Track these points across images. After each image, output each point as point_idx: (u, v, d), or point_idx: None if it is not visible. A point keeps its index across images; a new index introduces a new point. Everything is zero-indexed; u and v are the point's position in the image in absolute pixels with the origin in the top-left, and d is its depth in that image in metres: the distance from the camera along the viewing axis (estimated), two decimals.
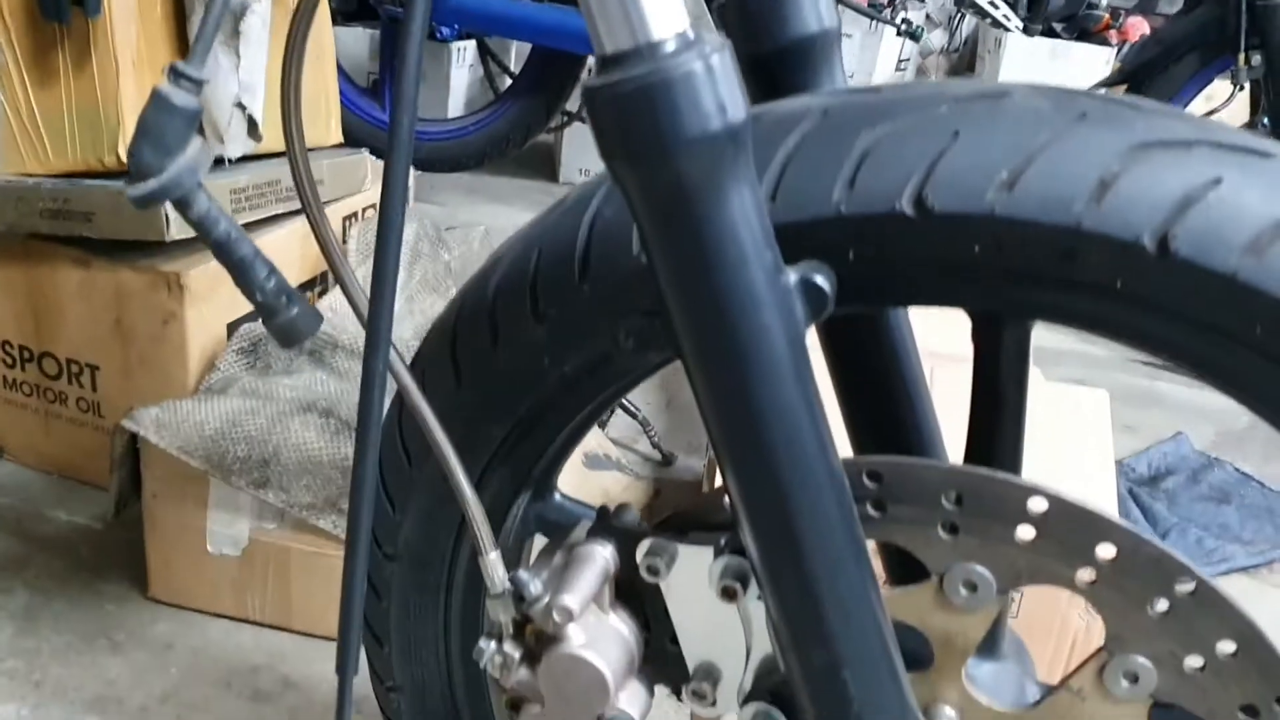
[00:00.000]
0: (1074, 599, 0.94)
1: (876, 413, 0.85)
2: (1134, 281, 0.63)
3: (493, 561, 0.76)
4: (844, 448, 0.72)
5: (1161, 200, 0.62)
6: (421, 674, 0.94)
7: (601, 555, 0.76)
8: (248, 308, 1.75)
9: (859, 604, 0.67)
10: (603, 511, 0.80)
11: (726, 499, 0.76)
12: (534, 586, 0.74)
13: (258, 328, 1.71)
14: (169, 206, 1.59)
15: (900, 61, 5.27)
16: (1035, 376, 1.65)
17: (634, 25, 0.58)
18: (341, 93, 2.85)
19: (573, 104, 3.13)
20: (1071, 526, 0.69)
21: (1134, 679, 0.71)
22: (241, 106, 1.58)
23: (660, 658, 0.79)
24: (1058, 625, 1.25)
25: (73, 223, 1.63)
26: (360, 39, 3.49)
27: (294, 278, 1.88)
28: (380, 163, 2.16)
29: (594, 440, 1.75)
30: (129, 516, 1.62)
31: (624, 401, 1.81)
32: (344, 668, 0.73)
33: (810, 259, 0.67)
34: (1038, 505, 0.69)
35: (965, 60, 6.11)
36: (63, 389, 1.78)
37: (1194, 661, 0.70)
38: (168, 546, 1.56)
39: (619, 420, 2.00)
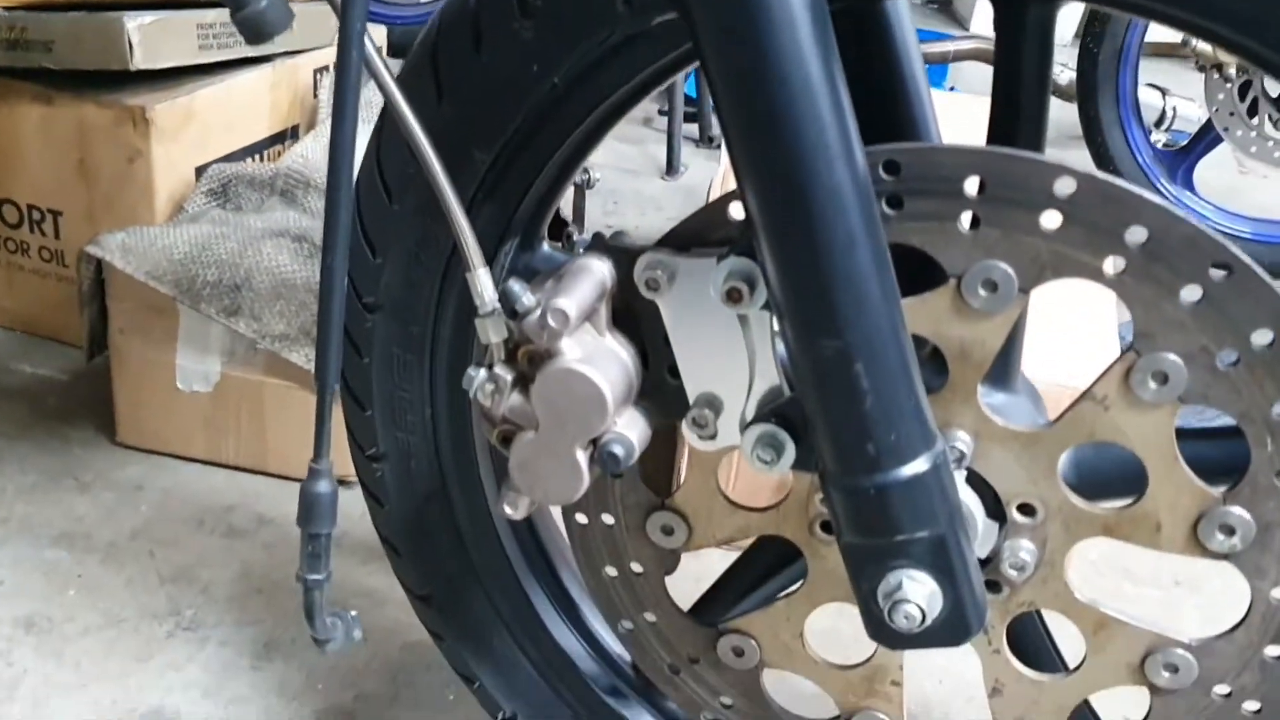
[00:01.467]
0: None
1: (876, 105, 0.79)
2: None
3: (481, 277, 0.71)
4: None
5: None
6: (406, 439, 0.90)
7: (599, 268, 0.71)
8: (217, 151, 1.71)
9: (873, 292, 0.63)
10: (598, 235, 0.75)
11: (731, 207, 0.72)
12: (526, 298, 0.69)
13: (228, 168, 1.65)
14: (133, 30, 1.52)
15: None
16: None
17: None
18: None
19: None
20: (1101, 208, 0.64)
21: (1163, 379, 0.67)
22: None
23: (660, 392, 0.75)
24: None
25: (32, 53, 1.55)
26: None
27: (265, 127, 1.81)
28: None
29: None
30: (98, 369, 1.57)
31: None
32: (323, 378, 0.68)
33: None
34: (1065, 186, 0.64)
35: None
36: (24, 238, 1.71)
37: (1228, 356, 0.66)
38: (136, 385, 1.50)
39: None
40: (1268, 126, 2.45)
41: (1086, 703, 0.82)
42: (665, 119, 2.76)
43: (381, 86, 0.70)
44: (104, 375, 1.54)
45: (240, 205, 1.62)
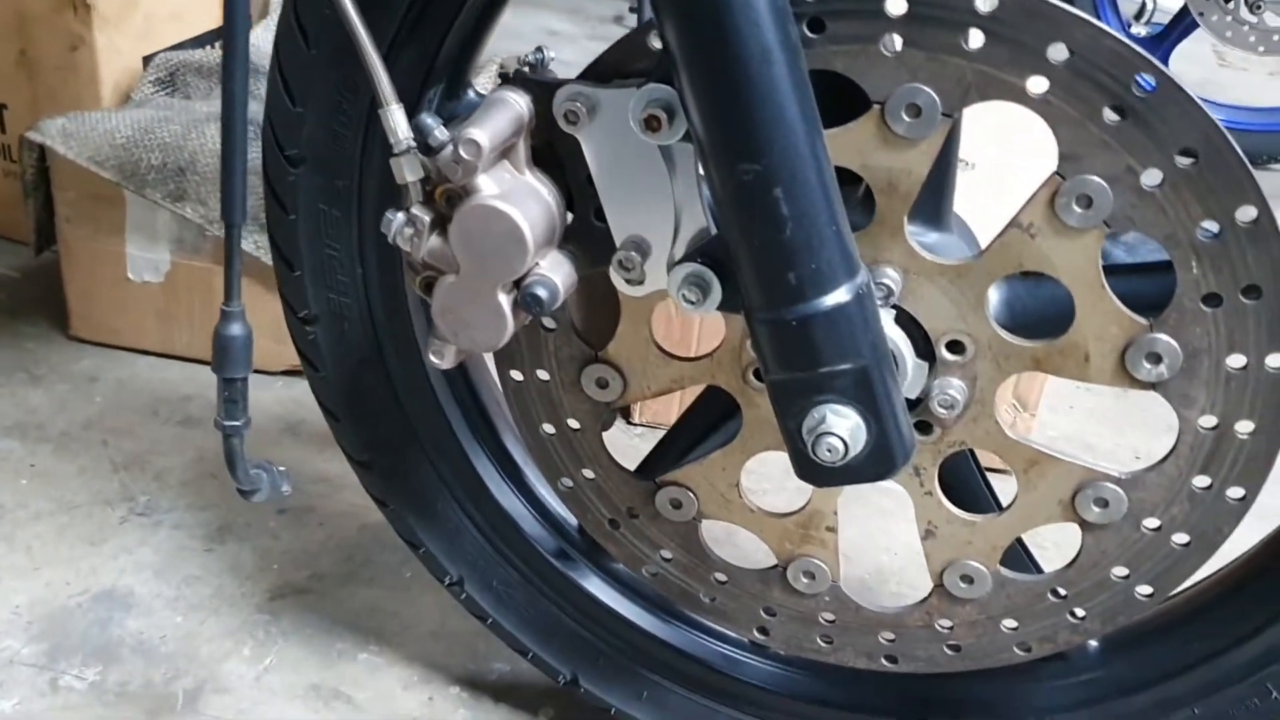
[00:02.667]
0: None
1: None
2: None
3: (394, 113, 0.69)
4: None
5: None
6: (338, 300, 0.88)
7: (516, 102, 0.69)
8: (165, 40, 1.67)
9: (791, 113, 0.61)
10: (519, 70, 0.73)
11: (650, 38, 0.70)
12: (439, 132, 0.67)
13: (176, 56, 1.61)
14: None
15: None
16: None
17: None
18: None
19: None
20: (1025, 25, 0.63)
21: (1088, 203, 0.66)
22: None
23: (586, 235, 0.74)
24: None
25: None
26: None
27: (214, 18, 1.77)
28: None
29: None
30: (49, 264, 1.55)
31: None
32: (230, 217, 0.67)
33: None
34: (988, 3, 0.63)
35: None
36: None
37: (1151, 178, 0.64)
38: (86, 277, 1.48)
39: None
40: (1243, 10, 2.41)
41: (1020, 541, 0.83)
42: (635, 16, 2.71)
43: None
44: (55, 270, 1.52)
45: (189, 94, 1.59)
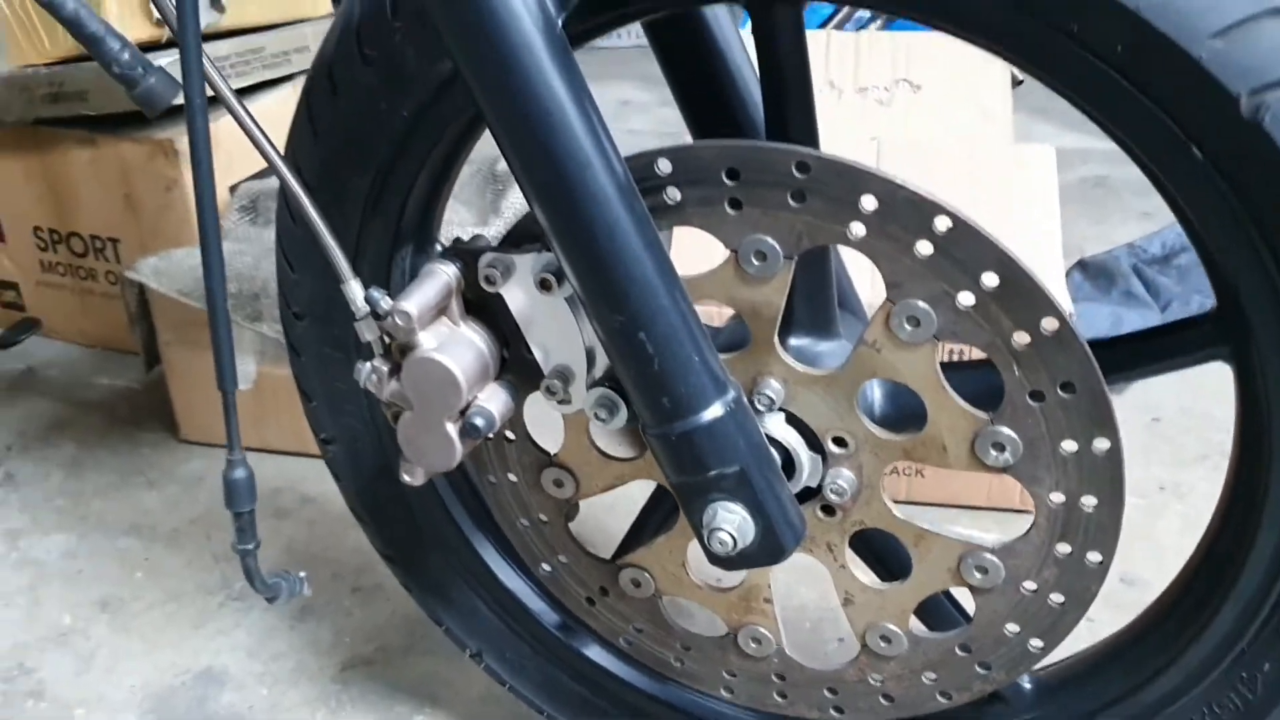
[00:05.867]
0: None
1: (705, 103, 0.91)
2: None
3: (352, 288, 0.84)
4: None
5: None
6: (349, 424, 1.05)
7: (444, 271, 0.84)
8: (248, 169, 1.89)
9: (645, 271, 0.74)
10: (456, 240, 0.88)
11: None
12: (384, 303, 0.83)
13: (256, 185, 1.82)
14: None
15: None
16: (982, 138, 1.68)
17: None
18: None
19: None
20: (836, 183, 0.74)
21: (916, 323, 0.77)
22: None
23: (521, 366, 0.88)
24: None
25: (71, 103, 1.75)
26: None
27: None
28: None
29: None
30: (159, 376, 1.76)
31: None
32: (223, 385, 0.83)
33: None
34: (800, 166, 0.75)
35: None
36: (91, 265, 1.92)
37: (965, 298, 0.75)
38: (188, 388, 1.69)
39: None
40: None
41: (947, 594, 0.93)
42: None
43: (248, 133, 0.84)
44: (164, 381, 1.73)
45: (270, 218, 1.79)
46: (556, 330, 0.85)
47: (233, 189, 1.83)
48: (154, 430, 1.79)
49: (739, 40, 0.89)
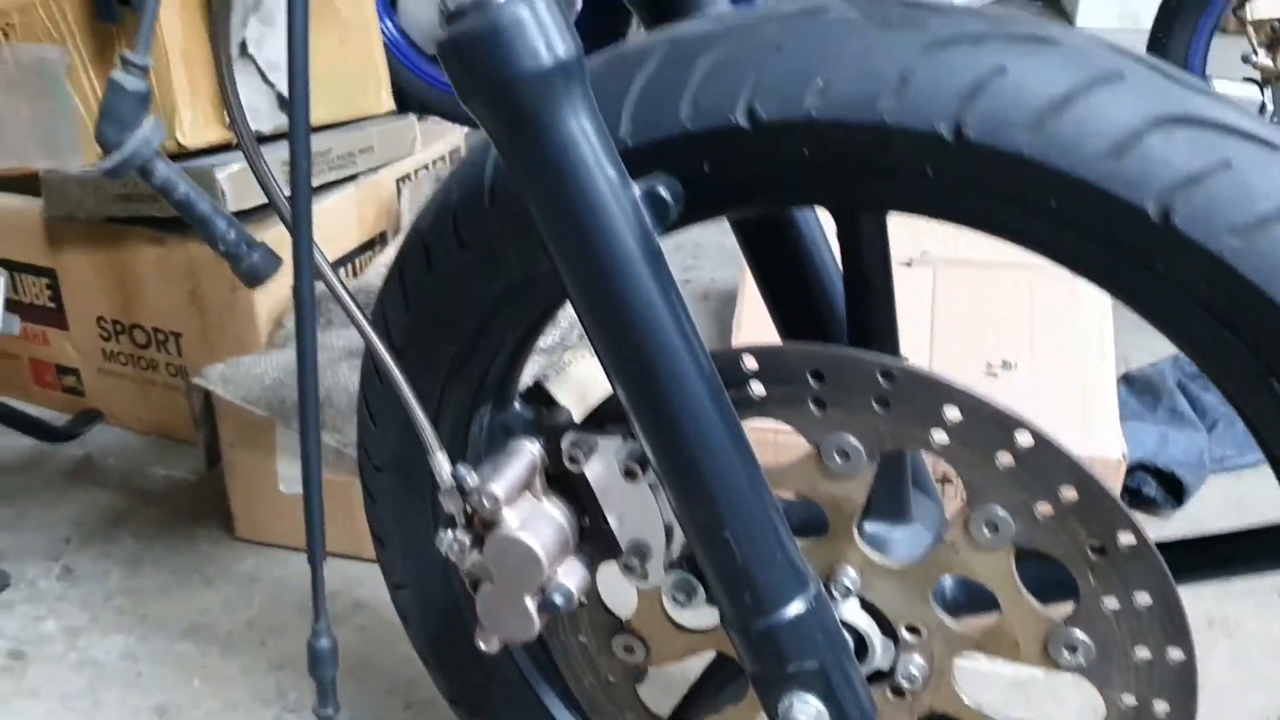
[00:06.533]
0: None
1: (790, 299, 0.93)
2: (942, 168, 0.70)
3: (439, 461, 0.87)
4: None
5: (954, 90, 0.69)
6: (421, 570, 1.07)
7: (529, 450, 0.87)
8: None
9: (732, 467, 0.76)
10: (538, 412, 0.90)
11: None
12: (470, 479, 0.85)
13: (317, 286, 1.85)
14: (224, 180, 1.75)
15: None
16: (1036, 276, 1.70)
17: None
18: (407, 59, 3.00)
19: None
20: (920, 394, 0.76)
21: (994, 528, 0.78)
22: (270, 84, 1.72)
23: (599, 538, 0.90)
24: None
25: (142, 204, 1.79)
26: (427, 5, 3.62)
27: (353, 240, 2.02)
28: (433, 125, 2.28)
29: None
30: (219, 469, 1.80)
31: None
32: (314, 560, 0.85)
33: (667, 172, 0.76)
34: (885, 375, 0.77)
35: None
36: (153, 357, 1.96)
37: (1044, 508, 0.77)
38: (247, 489, 1.72)
39: None
40: None
41: None
42: None
43: (341, 303, 0.87)
44: (221, 477, 1.76)
45: (330, 319, 1.83)
46: (636, 507, 0.87)
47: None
48: (210, 526, 1.81)
49: (825, 241, 0.91)
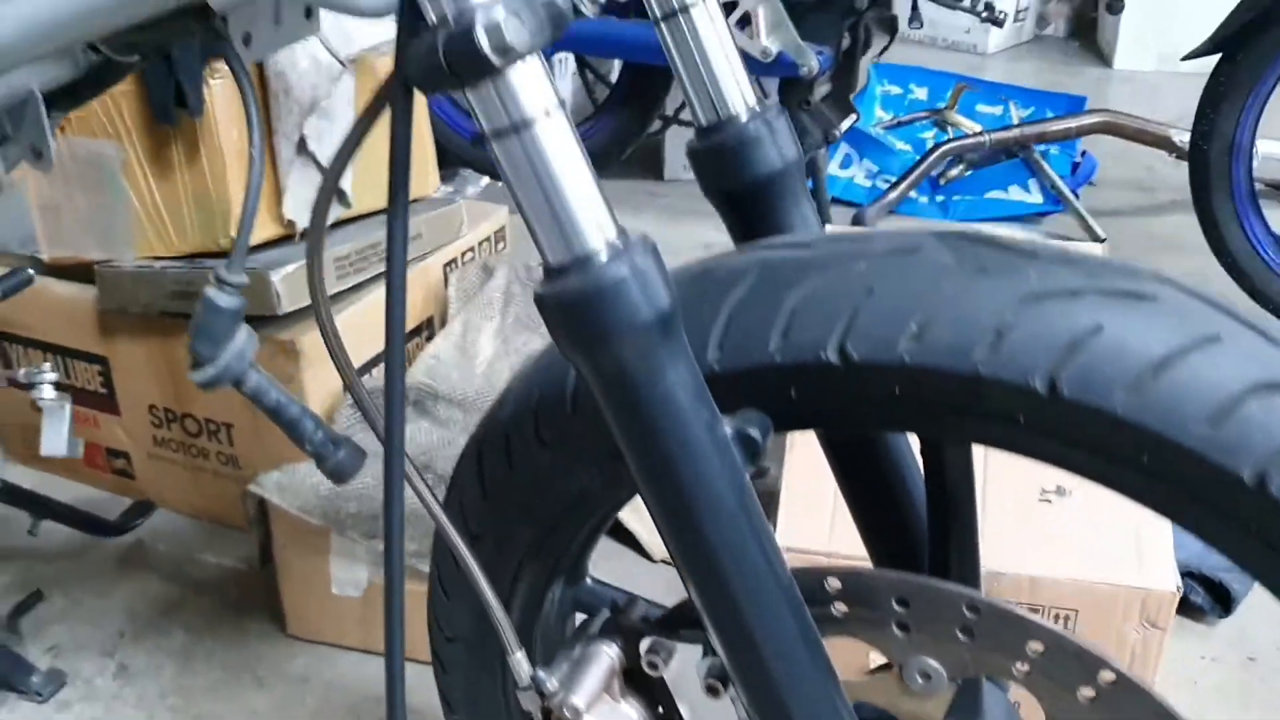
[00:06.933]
0: None
1: (875, 517, 0.94)
2: (1033, 417, 0.71)
3: (518, 660, 0.88)
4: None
5: (1049, 346, 0.69)
6: None
7: (607, 654, 0.88)
8: (361, 360, 1.94)
9: (815, 688, 0.77)
10: (614, 607, 0.91)
11: None
12: (550, 684, 0.86)
13: (369, 382, 1.87)
14: (278, 282, 1.76)
15: (1019, 12, 5.16)
16: None
17: (570, 240, 0.69)
18: (441, 110, 3.02)
19: (671, 106, 3.21)
20: (1003, 627, 0.77)
21: None
22: None
23: None
24: None
25: (195, 301, 1.80)
26: None
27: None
28: (475, 205, 2.29)
29: None
30: (272, 565, 1.81)
31: None
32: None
33: (755, 400, 0.77)
34: (971, 608, 0.77)
35: None
36: (204, 445, 1.98)
37: None
38: (299, 590, 1.74)
39: None
40: None
41: None
42: None
43: (425, 504, 0.89)
44: (274, 574, 1.78)
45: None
46: (715, 714, 0.87)
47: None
48: (262, 622, 1.83)
49: (914, 460, 0.91)
